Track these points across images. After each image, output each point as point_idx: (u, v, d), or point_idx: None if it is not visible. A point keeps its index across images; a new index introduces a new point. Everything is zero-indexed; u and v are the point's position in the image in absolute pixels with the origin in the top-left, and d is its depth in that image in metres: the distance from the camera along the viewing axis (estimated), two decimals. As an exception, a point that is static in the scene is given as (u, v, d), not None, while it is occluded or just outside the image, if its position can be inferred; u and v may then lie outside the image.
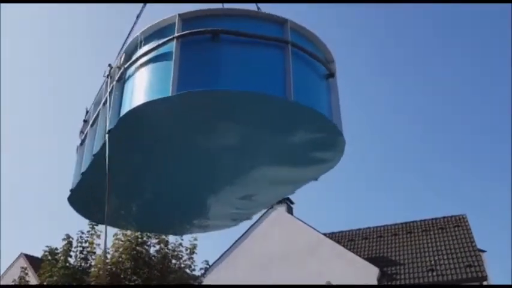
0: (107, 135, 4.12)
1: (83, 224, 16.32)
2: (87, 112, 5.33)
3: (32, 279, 18.90)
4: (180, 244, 16.27)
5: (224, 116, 4.05)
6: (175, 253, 16.19)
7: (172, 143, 4.41)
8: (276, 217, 24.97)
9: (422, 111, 50.84)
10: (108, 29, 49.24)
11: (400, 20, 51.81)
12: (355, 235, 26.61)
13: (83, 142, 5.24)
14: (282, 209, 25.22)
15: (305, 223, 24.70)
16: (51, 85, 51.63)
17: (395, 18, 51.43)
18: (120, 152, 4.28)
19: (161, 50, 3.94)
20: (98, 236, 15.58)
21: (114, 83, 4.33)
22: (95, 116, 4.89)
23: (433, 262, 22.41)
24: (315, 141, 4.45)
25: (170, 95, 3.66)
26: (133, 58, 4.18)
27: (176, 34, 3.86)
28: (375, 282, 21.86)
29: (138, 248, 15.37)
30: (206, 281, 17.97)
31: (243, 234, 25.34)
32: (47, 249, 15.79)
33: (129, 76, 4.20)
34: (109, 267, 14.69)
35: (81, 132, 5.39)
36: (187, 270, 16.49)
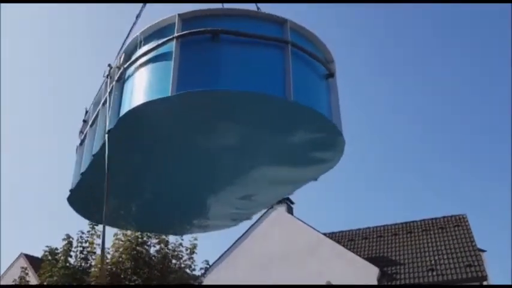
0: (106, 135, 4.11)
1: (83, 224, 16.37)
2: (86, 112, 5.33)
3: (32, 279, 18.89)
4: (180, 244, 16.29)
5: (224, 116, 4.04)
6: (176, 253, 16.19)
7: (172, 143, 4.40)
8: (276, 217, 24.94)
9: (421, 111, 50.89)
10: (108, 29, 49.29)
11: (399, 20, 51.87)
12: (355, 235, 26.59)
13: (82, 142, 5.24)
14: (282, 209, 25.20)
15: (305, 223, 24.67)
16: (51, 85, 51.70)
17: (395, 18, 51.49)
18: (120, 152, 4.27)
19: (161, 50, 3.94)
20: (98, 236, 15.54)
21: (114, 83, 4.32)
22: (94, 116, 4.89)
23: (433, 262, 22.40)
24: (315, 141, 4.44)
25: (170, 95, 3.65)
26: (133, 58, 4.17)
27: (176, 34, 3.85)
28: (375, 282, 21.85)
29: (138, 248, 15.36)
30: (206, 281, 17.98)
31: (243, 234, 25.32)
32: (47, 249, 15.81)
33: (129, 76, 4.20)
34: (109, 267, 14.70)
35: (81, 132, 5.39)
36: (188, 270, 16.49)
